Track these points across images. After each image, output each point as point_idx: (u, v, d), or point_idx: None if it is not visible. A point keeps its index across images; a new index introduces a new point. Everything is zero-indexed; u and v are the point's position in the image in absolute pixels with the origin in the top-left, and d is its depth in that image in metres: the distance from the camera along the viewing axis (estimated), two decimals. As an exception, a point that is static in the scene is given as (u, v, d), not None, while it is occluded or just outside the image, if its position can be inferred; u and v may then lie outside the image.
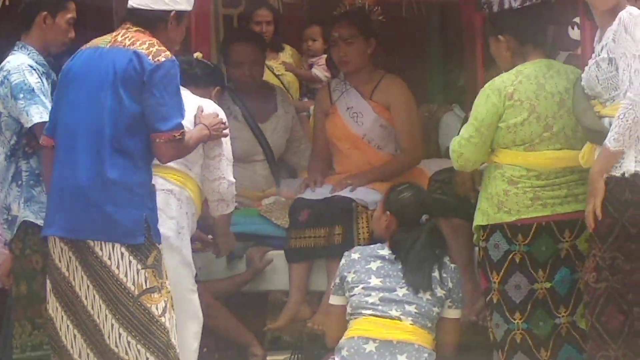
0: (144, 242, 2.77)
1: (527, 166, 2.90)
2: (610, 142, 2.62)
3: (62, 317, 2.80)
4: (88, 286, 2.77)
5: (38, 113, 3.08)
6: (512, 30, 3.04)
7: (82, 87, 2.80)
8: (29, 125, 3.09)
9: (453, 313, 3.11)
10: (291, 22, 4.95)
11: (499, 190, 2.93)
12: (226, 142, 3.18)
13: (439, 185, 3.39)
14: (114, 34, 2.86)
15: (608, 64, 2.66)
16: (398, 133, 3.61)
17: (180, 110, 2.88)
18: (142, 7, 2.82)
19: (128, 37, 2.82)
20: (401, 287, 3.02)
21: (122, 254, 2.75)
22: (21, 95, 3.11)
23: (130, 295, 2.75)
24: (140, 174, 2.80)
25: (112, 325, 2.74)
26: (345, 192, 3.49)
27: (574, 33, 3.82)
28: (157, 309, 2.81)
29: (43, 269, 3.11)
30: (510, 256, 2.92)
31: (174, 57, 2.85)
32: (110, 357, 2.78)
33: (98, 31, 3.19)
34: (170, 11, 2.89)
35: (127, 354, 2.74)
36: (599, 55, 2.69)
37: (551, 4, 3.18)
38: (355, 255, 3.07)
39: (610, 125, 2.68)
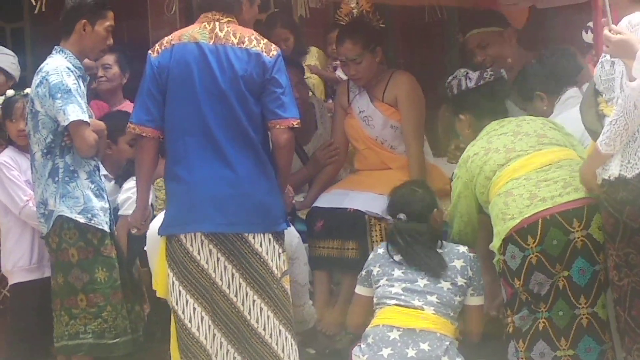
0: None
1: (514, 177, 3.01)
2: (601, 144, 2.66)
3: (194, 308, 2.91)
4: (233, 274, 2.88)
5: (75, 112, 3.12)
6: (470, 109, 3.22)
7: (198, 84, 2.87)
8: (66, 123, 3.14)
9: (476, 300, 3.13)
10: (317, 25, 4.95)
11: (500, 206, 3.01)
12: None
13: (459, 183, 3.66)
14: (209, 27, 2.91)
15: (610, 66, 2.68)
16: (403, 129, 3.62)
17: (294, 101, 3.00)
18: None
19: (229, 32, 2.88)
20: (422, 278, 3.05)
21: (269, 240, 2.89)
22: (59, 95, 3.15)
23: (275, 278, 2.90)
24: (273, 167, 2.95)
25: (262, 309, 2.87)
26: (358, 205, 3.52)
27: (587, 37, 3.79)
28: (288, 290, 2.98)
29: (79, 262, 3.22)
30: (527, 261, 2.94)
31: None
32: (246, 344, 2.90)
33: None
34: None
35: (271, 335, 2.88)
36: (604, 56, 2.72)
37: (505, 79, 3.35)
38: (380, 250, 3.14)
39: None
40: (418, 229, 3.13)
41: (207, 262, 2.91)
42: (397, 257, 3.11)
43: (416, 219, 3.16)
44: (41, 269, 3.53)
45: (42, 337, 3.53)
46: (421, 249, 3.10)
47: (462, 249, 3.17)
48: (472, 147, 3.21)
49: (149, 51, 3.03)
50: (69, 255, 3.24)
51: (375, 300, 3.09)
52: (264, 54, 2.86)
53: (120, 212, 3.57)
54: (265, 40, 2.96)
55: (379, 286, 3.09)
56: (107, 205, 3.35)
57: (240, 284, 2.90)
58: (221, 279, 2.90)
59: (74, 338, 3.26)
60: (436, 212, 3.26)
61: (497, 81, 3.31)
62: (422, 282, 3.06)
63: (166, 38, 3.00)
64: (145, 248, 3.38)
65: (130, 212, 3.30)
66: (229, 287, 2.89)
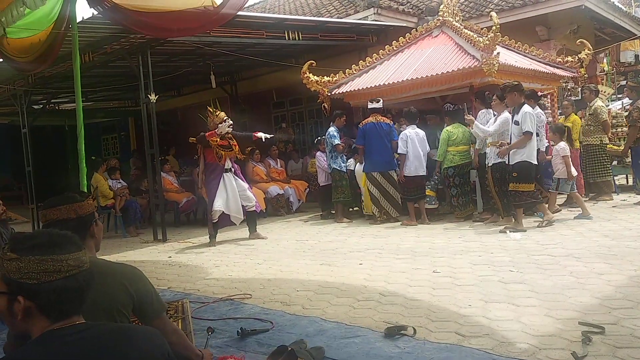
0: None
1: (453, 146, 8.21)
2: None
3: (371, 186, 8.42)
4: (382, 179, 8.43)
5: (337, 142, 8.70)
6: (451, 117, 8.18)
7: (376, 132, 8.38)
8: (336, 143, 8.75)
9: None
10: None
11: (447, 155, 8.34)
12: None
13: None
14: (375, 118, 8.41)
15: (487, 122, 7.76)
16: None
17: (397, 134, 8.41)
18: (376, 106, 8.42)
19: (380, 118, 8.42)
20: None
21: (394, 171, 8.42)
22: (332, 137, 8.76)
23: (394, 178, 8.44)
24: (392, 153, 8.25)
25: (389, 186, 8.47)
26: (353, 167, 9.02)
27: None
28: (396, 179, 8.29)
29: (338, 179, 8.87)
30: (446, 172, 8.48)
31: None
32: (387, 195, 8.42)
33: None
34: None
35: (391, 190, 8.51)
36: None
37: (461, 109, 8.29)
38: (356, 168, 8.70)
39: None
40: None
41: (378, 177, 8.23)
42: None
43: None
44: (327, 181, 9.35)
45: (329, 200, 9.27)
46: None
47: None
48: (447, 129, 7.82)
49: (359, 125, 8.57)
50: (336, 177, 8.89)
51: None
52: (390, 122, 8.31)
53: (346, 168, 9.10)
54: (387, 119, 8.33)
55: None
56: (344, 165, 8.82)
57: (384, 181, 8.24)
58: (381, 180, 8.25)
59: (337, 199, 8.96)
60: None
61: (458, 110, 7.83)
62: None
63: (364, 121, 8.43)
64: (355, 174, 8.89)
65: (351, 168, 8.87)
66: (381, 182, 8.24)
